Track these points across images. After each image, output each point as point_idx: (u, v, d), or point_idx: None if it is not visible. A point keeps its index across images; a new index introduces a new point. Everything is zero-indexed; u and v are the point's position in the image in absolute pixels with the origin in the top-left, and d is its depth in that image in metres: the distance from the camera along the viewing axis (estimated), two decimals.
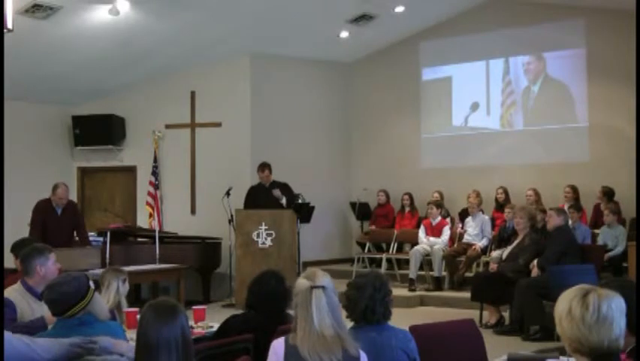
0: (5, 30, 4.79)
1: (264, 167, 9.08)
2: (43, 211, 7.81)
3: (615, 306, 2.00)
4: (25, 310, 3.90)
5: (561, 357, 3.06)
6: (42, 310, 3.62)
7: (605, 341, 1.97)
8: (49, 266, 4.02)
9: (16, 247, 5.03)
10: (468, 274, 8.91)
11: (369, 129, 11.73)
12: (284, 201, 8.82)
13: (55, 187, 7.87)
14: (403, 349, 2.99)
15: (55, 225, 7.77)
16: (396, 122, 11.48)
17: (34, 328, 3.53)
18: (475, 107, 10.92)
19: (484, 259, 9.00)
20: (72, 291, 3.03)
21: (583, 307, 1.99)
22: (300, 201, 8.85)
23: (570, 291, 2.07)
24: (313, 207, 9.38)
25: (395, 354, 2.96)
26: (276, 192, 8.83)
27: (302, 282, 2.67)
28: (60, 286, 3.05)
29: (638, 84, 7.28)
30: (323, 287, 2.63)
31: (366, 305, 2.97)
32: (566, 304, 2.03)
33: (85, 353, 2.87)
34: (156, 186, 10.71)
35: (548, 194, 9.46)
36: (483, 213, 9.43)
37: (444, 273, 9.12)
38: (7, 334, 2.78)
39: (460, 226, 9.68)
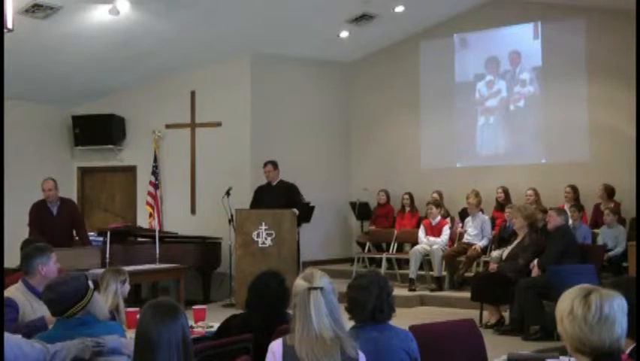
0: (5, 30, 4.79)
1: (267, 163, 9.04)
2: (38, 212, 7.77)
3: (617, 306, 1.99)
4: (27, 310, 3.90)
5: (561, 357, 3.06)
6: (43, 309, 3.63)
7: (607, 341, 1.97)
8: (51, 265, 4.04)
9: (25, 247, 5.12)
10: (468, 274, 8.91)
11: (369, 129, 11.73)
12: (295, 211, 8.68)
13: (41, 185, 7.81)
14: (405, 349, 2.98)
15: (51, 225, 7.70)
16: (396, 122, 11.48)
17: (35, 328, 3.54)
18: (475, 106, 10.92)
19: (484, 259, 9.00)
20: (71, 291, 3.03)
21: (585, 307, 1.99)
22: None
23: (572, 290, 2.06)
24: (313, 207, 9.38)
25: (397, 354, 2.95)
26: (292, 211, 8.63)
27: (300, 283, 2.66)
28: (59, 286, 3.05)
29: (638, 84, 7.27)
30: (321, 288, 2.62)
31: (375, 306, 2.96)
32: (567, 303, 2.03)
33: (92, 355, 2.87)
34: (156, 186, 10.71)
35: (548, 194, 9.46)
36: (483, 213, 9.42)
37: (444, 273, 9.12)
38: (16, 338, 2.79)
39: (460, 225, 9.67)
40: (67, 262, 6.41)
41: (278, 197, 8.80)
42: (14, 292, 3.98)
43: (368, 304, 2.96)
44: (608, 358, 1.98)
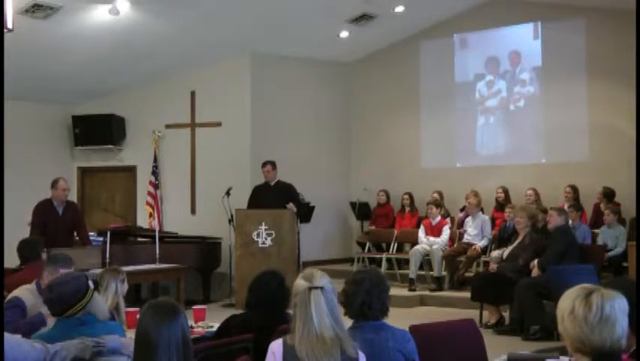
0: (5, 30, 4.78)
1: (266, 163, 9.02)
2: (43, 212, 7.77)
3: (618, 306, 1.99)
4: (34, 311, 3.91)
5: (561, 357, 3.06)
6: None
7: (608, 342, 1.97)
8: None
9: (23, 247, 5.16)
10: (468, 274, 8.91)
11: (369, 129, 11.73)
12: (294, 210, 8.67)
13: (55, 182, 7.76)
14: (400, 350, 2.97)
15: (55, 225, 7.71)
16: (396, 122, 11.48)
17: (34, 324, 3.55)
18: (475, 106, 10.92)
19: (484, 259, 8.99)
20: (71, 291, 3.03)
21: (586, 307, 1.98)
22: (300, 201, 8.83)
23: (573, 290, 2.06)
24: (313, 207, 9.38)
25: (393, 355, 2.95)
26: (290, 207, 8.62)
27: (300, 283, 2.66)
28: (59, 286, 3.05)
29: (638, 84, 7.26)
30: (321, 288, 2.62)
31: (363, 301, 2.95)
32: (568, 303, 2.03)
33: (92, 355, 2.88)
34: (156, 186, 10.71)
35: (548, 194, 9.47)
36: (483, 213, 9.42)
37: (444, 273, 9.12)
38: (16, 338, 2.79)
39: (461, 214, 9.64)
40: None
41: (277, 197, 8.78)
42: (25, 292, 4.00)
43: (357, 298, 2.96)
44: (608, 358, 1.98)
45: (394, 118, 11.50)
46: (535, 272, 7.03)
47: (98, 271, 5.47)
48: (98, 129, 10.81)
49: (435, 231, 9.33)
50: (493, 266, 7.69)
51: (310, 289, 2.60)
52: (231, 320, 3.80)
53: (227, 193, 9.08)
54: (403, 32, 11.05)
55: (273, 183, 9.00)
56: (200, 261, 9.38)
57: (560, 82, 10.16)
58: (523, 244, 7.34)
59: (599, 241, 8.28)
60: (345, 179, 11.79)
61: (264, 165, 9.04)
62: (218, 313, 5.97)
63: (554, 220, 7.18)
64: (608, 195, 8.98)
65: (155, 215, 10.58)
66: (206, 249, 9.57)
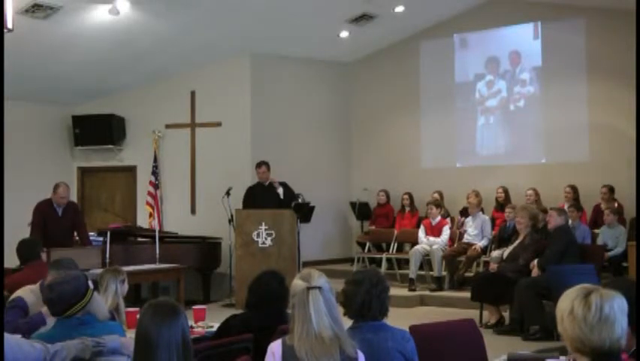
0: (5, 30, 4.78)
1: (261, 164, 9.12)
2: (43, 212, 7.81)
3: (617, 306, 1.99)
4: (35, 311, 3.91)
5: (561, 357, 3.06)
6: None
7: (607, 341, 1.97)
8: None
9: (22, 247, 5.16)
10: (468, 274, 8.92)
11: (369, 129, 11.73)
12: (280, 190, 8.82)
13: (56, 187, 7.88)
14: (399, 350, 2.97)
15: (55, 225, 7.77)
16: (396, 122, 11.48)
17: (34, 323, 3.55)
18: (475, 106, 10.92)
19: (484, 259, 9.00)
20: (71, 290, 3.03)
21: (585, 307, 1.99)
22: (299, 200, 8.85)
23: (572, 290, 2.06)
24: (313, 207, 9.38)
25: (391, 356, 2.95)
26: (275, 183, 8.85)
27: (298, 283, 2.65)
28: (59, 285, 3.05)
29: (638, 84, 7.26)
30: (319, 288, 2.62)
31: (363, 301, 2.95)
32: (568, 303, 2.03)
33: (92, 355, 2.88)
34: (156, 186, 10.71)
35: (548, 194, 9.47)
36: (483, 213, 9.43)
37: (444, 273, 9.12)
38: (16, 338, 2.80)
39: (462, 219, 9.65)
40: None
41: (272, 197, 8.85)
42: (28, 292, 4.00)
43: (357, 298, 2.95)
44: (608, 358, 1.98)
45: (394, 118, 11.50)
46: (535, 272, 7.03)
47: (98, 271, 5.47)
48: (98, 129, 10.81)
49: (435, 231, 9.34)
50: (493, 266, 7.69)
51: (308, 289, 2.60)
52: (231, 320, 3.80)
53: (227, 193, 9.09)
54: (403, 32, 11.05)
55: (267, 184, 9.07)
56: (200, 261, 9.38)
57: (560, 82, 10.16)
58: (523, 244, 7.34)
59: (599, 241, 8.28)
60: (345, 179, 11.79)
61: (260, 165, 9.11)
62: (218, 313, 5.97)
63: (554, 220, 7.18)
64: (611, 190, 8.99)
65: (155, 215, 10.59)
66: (206, 249, 9.57)
